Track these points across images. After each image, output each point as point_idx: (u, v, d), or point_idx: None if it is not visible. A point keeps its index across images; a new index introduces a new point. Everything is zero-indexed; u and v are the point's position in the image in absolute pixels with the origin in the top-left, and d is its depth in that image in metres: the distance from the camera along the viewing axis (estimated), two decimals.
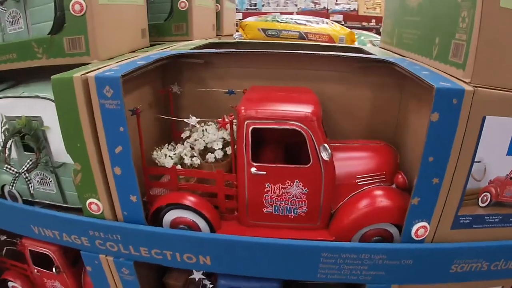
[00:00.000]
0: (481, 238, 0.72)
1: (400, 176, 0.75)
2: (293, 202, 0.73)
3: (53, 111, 0.68)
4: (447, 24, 0.68)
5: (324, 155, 0.67)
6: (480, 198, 0.69)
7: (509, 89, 0.61)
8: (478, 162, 0.65)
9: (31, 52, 0.77)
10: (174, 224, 0.77)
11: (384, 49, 1.08)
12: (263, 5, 3.73)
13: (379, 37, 2.34)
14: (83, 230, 0.76)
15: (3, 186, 0.88)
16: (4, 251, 0.99)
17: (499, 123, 0.62)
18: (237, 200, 0.77)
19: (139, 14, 0.91)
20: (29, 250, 0.92)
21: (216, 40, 1.17)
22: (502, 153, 0.66)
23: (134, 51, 0.89)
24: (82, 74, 0.65)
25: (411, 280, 0.74)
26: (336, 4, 3.57)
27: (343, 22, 3.27)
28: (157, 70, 0.92)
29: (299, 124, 0.68)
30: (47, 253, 0.90)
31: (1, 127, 0.80)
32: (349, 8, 3.52)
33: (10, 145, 0.80)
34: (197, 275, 0.87)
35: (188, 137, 0.85)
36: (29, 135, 0.77)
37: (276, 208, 0.74)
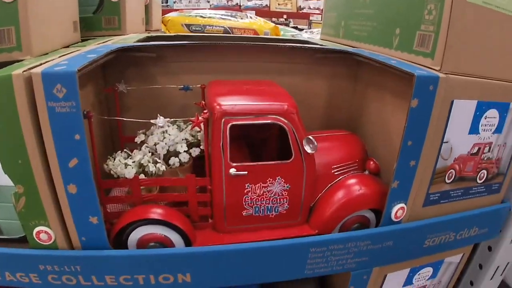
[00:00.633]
0: (447, 212, 0.77)
1: (372, 162, 0.76)
2: (274, 201, 0.69)
3: None
4: (410, 16, 0.71)
5: (308, 149, 0.65)
6: (446, 175, 0.73)
7: (472, 75, 0.66)
8: (446, 142, 0.69)
9: None
10: (142, 242, 0.67)
11: (329, 41, 1.09)
12: (174, 2, 3.57)
13: (297, 31, 2.42)
14: (31, 265, 0.62)
15: None
16: None
17: (464, 105, 0.68)
18: (211, 206, 0.70)
19: (70, 4, 0.77)
20: None
21: (152, 34, 1.06)
22: (464, 133, 0.71)
23: (67, 47, 0.75)
24: (24, 71, 0.51)
25: (391, 260, 0.76)
26: (248, 0, 3.60)
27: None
28: (98, 67, 0.79)
29: (279, 118, 0.64)
30: None
31: None
32: (261, 4, 3.59)
33: None
34: None
35: (144, 142, 0.75)
36: None
37: (257, 209, 0.69)
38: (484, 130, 0.73)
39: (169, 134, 0.72)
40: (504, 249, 0.88)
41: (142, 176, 0.68)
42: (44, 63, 0.56)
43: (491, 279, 0.93)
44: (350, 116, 0.94)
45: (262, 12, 3.53)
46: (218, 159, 0.64)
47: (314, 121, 0.93)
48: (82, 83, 0.70)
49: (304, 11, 3.74)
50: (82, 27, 0.93)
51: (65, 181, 0.58)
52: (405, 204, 0.71)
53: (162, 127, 0.64)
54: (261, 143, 0.81)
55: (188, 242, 0.68)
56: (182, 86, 0.80)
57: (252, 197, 0.68)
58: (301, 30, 2.72)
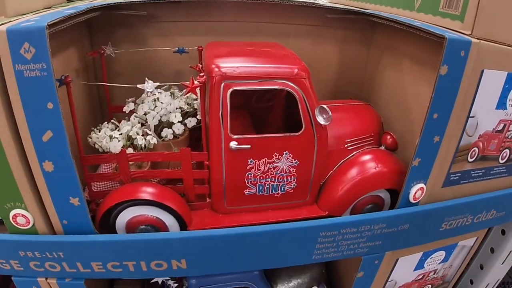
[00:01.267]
0: (466, 194, 0.70)
1: (389, 137, 0.68)
2: (280, 178, 0.61)
3: None
4: None
5: (321, 119, 0.56)
6: (469, 154, 0.66)
7: (504, 43, 0.59)
8: (472, 117, 0.62)
9: None
10: (132, 225, 0.60)
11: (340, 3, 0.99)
12: None
13: None
14: (10, 251, 0.55)
15: None
16: None
17: (493, 76, 0.60)
18: (209, 184, 0.63)
19: None
20: None
21: None
22: (491, 107, 0.64)
23: (49, 8, 0.65)
24: None
25: (405, 244, 0.70)
26: None
27: None
28: (82, 27, 0.69)
29: (288, 83, 0.55)
30: None
31: None
32: None
33: None
34: (160, 277, 0.72)
35: (133, 111, 0.66)
36: None
37: (261, 187, 0.62)
38: (511, 106, 0.65)
39: (161, 102, 0.63)
40: None
41: (130, 150, 0.59)
42: (15, 20, 0.46)
43: (502, 263, 0.88)
44: (362, 85, 0.86)
45: None
46: (217, 131, 0.56)
47: (322, 89, 0.84)
48: (62, 45, 0.61)
49: None
50: None
51: (39, 158, 0.50)
52: (425, 184, 0.64)
53: (152, 93, 0.55)
54: (266, 113, 0.73)
55: (183, 224, 0.61)
56: (177, 49, 0.71)
57: (256, 174, 0.60)
58: None
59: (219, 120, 0.55)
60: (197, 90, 0.54)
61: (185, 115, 0.65)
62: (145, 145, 0.60)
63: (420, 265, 0.78)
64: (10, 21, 0.47)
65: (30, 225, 0.55)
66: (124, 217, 0.59)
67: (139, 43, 0.74)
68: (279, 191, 0.63)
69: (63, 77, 0.52)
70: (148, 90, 0.53)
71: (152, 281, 0.73)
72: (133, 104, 0.67)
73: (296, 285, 0.80)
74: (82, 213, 0.55)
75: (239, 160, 0.58)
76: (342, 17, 0.76)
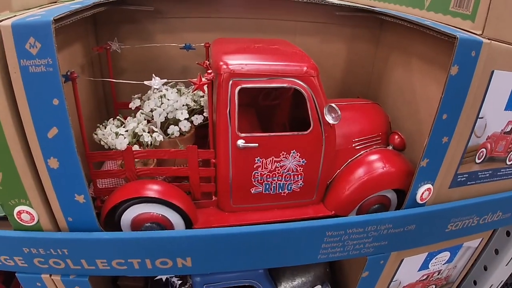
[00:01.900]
0: (473, 195, 0.70)
1: (397, 137, 0.68)
2: (287, 177, 0.61)
3: None
4: None
5: (330, 118, 0.56)
6: (477, 155, 0.65)
7: None
8: (481, 118, 0.61)
9: None
10: (138, 223, 0.59)
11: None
12: None
13: None
14: (14, 248, 0.55)
15: None
16: None
17: (504, 77, 0.59)
18: (216, 182, 0.62)
19: None
20: None
21: None
22: (501, 108, 0.63)
23: (54, 2, 0.64)
24: None
25: (411, 245, 0.69)
26: None
27: None
28: (88, 23, 0.68)
29: (297, 81, 0.55)
30: None
31: None
32: None
33: None
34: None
35: (139, 108, 0.66)
36: None
37: (267, 186, 0.61)
38: None
39: (168, 99, 0.62)
40: None
41: (136, 147, 0.59)
42: (20, 14, 0.46)
43: (506, 265, 0.88)
44: (370, 84, 0.85)
45: None
46: (224, 129, 0.55)
47: (329, 87, 0.84)
48: (67, 41, 0.60)
49: None
50: None
51: (44, 155, 0.50)
52: (432, 185, 0.63)
53: (158, 90, 0.54)
54: (272, 112, 0.72)
55: (188, 223, 0.60)
56: (184, 45, 0.70)
57: (263, 173, 0.59)
58: None
59: (226, 117, 0.55)
60: (205, 87, 0.53)
61: (191, 112, 0.64)
62: (151, 142, 0.60)
63: (424, 266, 0.78)
64: (15, 16, 0.46)
65: (35, 222, 0.55)
66: (130, 214, 0.59)
67: (146, 39, 0.73)
68: (286, 190, 0.62)
69: (68, 73, 0.52)
70: (155, 86, 0.52)
71: (156, 278, 0.73)
72: (139, 100, 0.66)
73: (300, 283, 0.80)
74: (87, 210, 0.54)
75: (246, 159, 0.58)
76: (351, 15, 0.75)
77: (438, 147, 0.60)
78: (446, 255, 0.78)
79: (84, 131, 0.56)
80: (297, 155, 0.59)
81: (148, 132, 0.60)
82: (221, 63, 0.54)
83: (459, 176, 0.66)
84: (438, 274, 0.83)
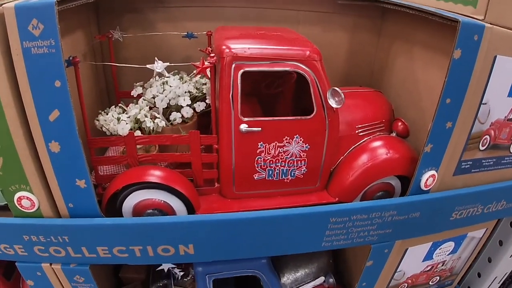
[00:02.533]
0: (477, 183, 0.69)
1: (400, 123, 0.67)
2: (290, 163, 0.60)
3: None
4: None
5: (333, 102, 0.55)
6: (481, 142, 0.65)
7: None
8: (485, 104, 0.61)
9: None
10: (139, 209, 0.59)
11: None
12: None
13: None
14: (15, 235, 0.54)
15: None
16: None
17: (507, 63, 0.59)
18: (218, 168, 0.62)
19: None
20: None
21: None
22: (504, 95, 0.63)
23: None
24: None
25: (415, 233, 0.69)
26: None
27: None
28: (90, 12, 0.68)
29: (300, 65, 0.54)
30: None
31: None
32: None
33: None
34: (165, 265, 0.71)
35: (141, 95, 0.65)
36: None
37: (270, 172, 0.61)
38: None
39: (170, 86, 0.62)
40: None
41: (138, 133, 0.58)
42: None
43: (511, 256, 0.87)
44: (372, 73, 0.85)
45: None
46: (227, 113, 0.55)
47: (331, 77, 0.82)
48: (69, 28, 0.60)
49: None
50: None
51: (46, 138, 0.49)
52: (437, 171, 0.63)
53: (160, 77, 0.54)
54: (276, 97, 0.71)
55: (191, 209, 0.60)
56: (186, 33, 0.70)
57: (266, 159, 0.59)
58: None
59: (229, 102, 0.54)
60: (207, 71, 0.53)
61: (193, 99, 0.64)
62: (153, 128, 0.59)
63: (429, 256, 0.77)
64: None
65: (35, 208, 0.54)
66: (131, 201, 0.58)
67: (148, 28, 0.73)
68: (289, 176, 0.62)
69: (71, 58, 0.51)
70: (158, 70, 0.51)
71: (158, 269, 0.72)
72: (141, 88, 0.66)
73: (303, 275, 0.79)
74: (89, 195, 0.53)
75: (249, 144, 0.57)
76: (353, 4, 0.75)
77: (442, 132, 0.59)
78: (450, 245, 0.78)
79: (86, 116, 0.56)
80: (301, 140, 0.58)
81: (150, 118, 0.60)
82: (224, 46, 0.53)
83: (463, 163, 0.66)
84: (442, 265, 0.82)
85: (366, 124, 0.66)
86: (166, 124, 0.61)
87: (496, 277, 0.90)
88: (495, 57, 0.57)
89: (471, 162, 0.67)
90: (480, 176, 0.69)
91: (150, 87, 0.64)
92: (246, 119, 0.55)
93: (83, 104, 0.55)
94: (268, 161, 0.59)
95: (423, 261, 0.78)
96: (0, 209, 0.63)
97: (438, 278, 0.86)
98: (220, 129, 0.57)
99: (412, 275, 0.80)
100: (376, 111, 0.67)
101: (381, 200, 0.61)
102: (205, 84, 0.65)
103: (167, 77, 0.63)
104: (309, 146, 0.59)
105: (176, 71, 0.64)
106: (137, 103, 0.63)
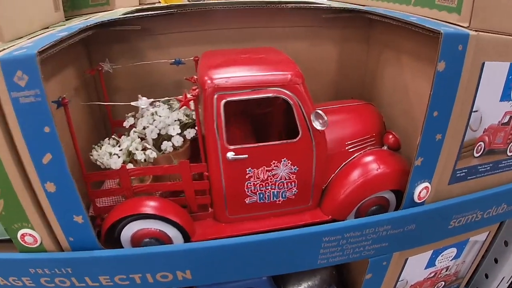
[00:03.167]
0: (474, 189, 0.69)
1: (391, 136, 0.67)
2: (280, 185, 0.61)
3: None
4: None
5: (317, 125, 0.56)
6: (475, 149, 0.64)
7: (504, 32, 0.56)
8: (476, 111, 0.60)
9: None
10: (137, 238, 0.61)
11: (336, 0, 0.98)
12: None
13: None
14: (21, 269, 0.57)
15: None
16: None
17: (496, 68, 0.58)
18: (210, 194, 0.63)
19: None
20: None
21: (144, 6, 0.95)
22: (495, 100, 0.62)
23: (47, 28, 0.66)
24: None
25: (413, 244, 0.69)
26: None
27: None
28: (80, 46, 0.70)
29: (282, 90, 0.55)
30: None
31: None
32: None
33: None
34: None
35: (133, 126, 0.67)
36: None
37: (261, 195, 0.62)
38: None
39: (159, 116, 0.63)
40: None
41: (130, 165, 0.60)
42: (8, 48, 0.48)
43: None
44: (364, 84, 0.84)
45: None
46: (213, 142, 0.56)
47: (323, 91, 0.84)
48: (60, 66, 0.63)
49: None
50: (68, 6, 0.82)
51: (41, 180, 0.52)
52: (430, 183, 0.63)
53: (146, 109, 0.56)
54: (267, 119, 0.72)
55: (186, 236, 0.61)
56: (173, 60, 0.71)
57: (255, 183, 0.60)
58: None
59: (214, 132, 0.56)
60: (191, 104, 0.54)
61: (184, 126, 0.65)
62: (145, 159, 0.61)
63: (431, 263, 0.77)
64: (4, 49, 0.48)
65: (38, 244, 0.57)
66: (129, 231, 0.60)
67: (137, 56, 0.74)
68: (280, 198, 0.63)
69: (60, 99, 0.53)
70: (143, 107, 0.53)
71: None
72: (133, 118, 0.68)
73: (306, 287, 0.80)
74: (86, 230, 0.56)
75: (238, 170, 0.58)
76: (338, 16, 0.75)
77: (431, 144, 0.59)
78: (452, 251, 0.77)
79: (80, 154, 0.58)
80: (289, 162, 0.59)
81: (142, 150, 0.61)
82: (206, 77, 0.54)
83: (458, 172, 0.65)
84: (446, 271, 0.82)
85: (356, 140, 0.66)
86: (157, 154, 0.62)
87: (504, 277, 0.89)
88: (483, 64, 0.57)
89: (466, 170, 0.66)
90: (478, 182, 0.69)
91: (142, 117, 0.66)
92: (232, 147, 0.56)
93: (76, 141, 0.57)
94: (258, 185, 0.60)
95: (425, 268, 0.78)
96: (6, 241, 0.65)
97: (443, 283, 0.85)
98: (208, 157, 0.59)
99: (415, 282, 0.80)
100: (366, 126, 0.67)
101: (373, 217, 0.61)
102: (194, 110, 0.66)
103: (157, 106, 0.65)
104: (297, 168, 0.60)
105: (166, 98, 0.66)
106: (129, 135, 0.64)
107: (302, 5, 0.70)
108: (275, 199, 0.62)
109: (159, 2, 1.80)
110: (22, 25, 0.60)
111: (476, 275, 0.92)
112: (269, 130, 0.74)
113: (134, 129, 0.65)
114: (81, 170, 0.59)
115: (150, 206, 0.59)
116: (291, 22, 0.76)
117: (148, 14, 0.65)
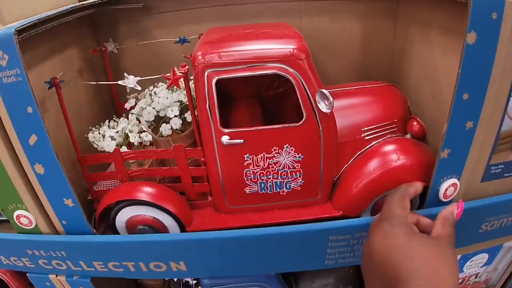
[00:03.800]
0: (511, 188, 0.58)
1: (415, 123, 0.59)
2: (284, 175, 0.55)
3: None
4: None
5: (323, 106, 0.49)
6: None
7: None
8: None
9: None
10: (131, 224, 0.58)
11: None
12: None
13: None
14: (20, 250, 0.57)
15: None
16: None
17: None
18: (208, 181, 0.59)
19: None
20: None
21: None
22: None
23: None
24: None
25: None
26: None
27: None
28: (85, 27, 0.68)
29: (281, 66, 0.49)
30: (1, 277, 0.71)
31: None
32: None
33: None
34: None
35: (134, 107, 0.64)
36: None
37: (263, 185, 0.56)
38: None
39: (158, 97, 0.60)
40: None
41: (124, 148, 0.57)
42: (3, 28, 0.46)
43: None
44: (391, 64, 0.75)
45: None
46: (207, 125, 0.52)
47: (343, 73, 0.76)
48: (61, 45, 0.61)
49: None
50: None
51: (30, 161, 0.51)
52: (458, 179, 0.54)
53: (134, 88, 0.52)
54: (278, 101, 0.66)
55: (183, 225, 0.58)
56: (178, 39, 0.67)
57: (255, 171, 0.55)
58: None
59: (207, 113, 0.51)
60: (180, 82, 0.50)
61: (185, 108, 0.61)
62: (140, 142, 0.58)
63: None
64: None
65: (33, 225, 0.56)
66: (123, 216, 0.58)
67: (144, 36, 0.71)
68: (284, 188, 0.57)
69: (51, 79, 0.51)
70: (130, 85, 0.49)
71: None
72: (134, 100, 0.65)
73: (320, 286, 0.75)
74: (77, 214, 0.54)
75: (235, 156, 0.53)
76: None
77: (461, 134, 0.50)
78: (483, 257, 0.68)
79: (73, 135, 0.56)
80: (292, 150, 0.53)
81: (138, 133, 0.58)
82: (198, 53, 0.49)
83: (492, 168, 0.56)
84: (475, 278, 0.72)
85: (374, 126, 0.58)
86: (153, 138, 0.59)
87: None
88: None
89: (502, 166, 0.56)
90: None
91: (144, 98, 0.62)
92: (227, 130, 0.51)
93: (69, 122, 0.55)
94: (258, 173, 0.55)
95: None
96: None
97: None
98: (203, 141, 0.54)
99: None
100: (386, 110, 0.59)
101: None
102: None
103: (159, 86, 0.61)
104: (302, 156, 0.54)
105: (155, 76, 0.62)
106: (127, 116, 0.61)
107: None
108: (278, 189, 0.57)
109: None
110: (26, 7, 0.58)
111: (508, 283, 0.80)
112: (283, 114, 0.68)
113: (132, 110, 0.61)
114: (76, 152, 0.56)
115: (144, 192, 0.56)
116: None
117: None
